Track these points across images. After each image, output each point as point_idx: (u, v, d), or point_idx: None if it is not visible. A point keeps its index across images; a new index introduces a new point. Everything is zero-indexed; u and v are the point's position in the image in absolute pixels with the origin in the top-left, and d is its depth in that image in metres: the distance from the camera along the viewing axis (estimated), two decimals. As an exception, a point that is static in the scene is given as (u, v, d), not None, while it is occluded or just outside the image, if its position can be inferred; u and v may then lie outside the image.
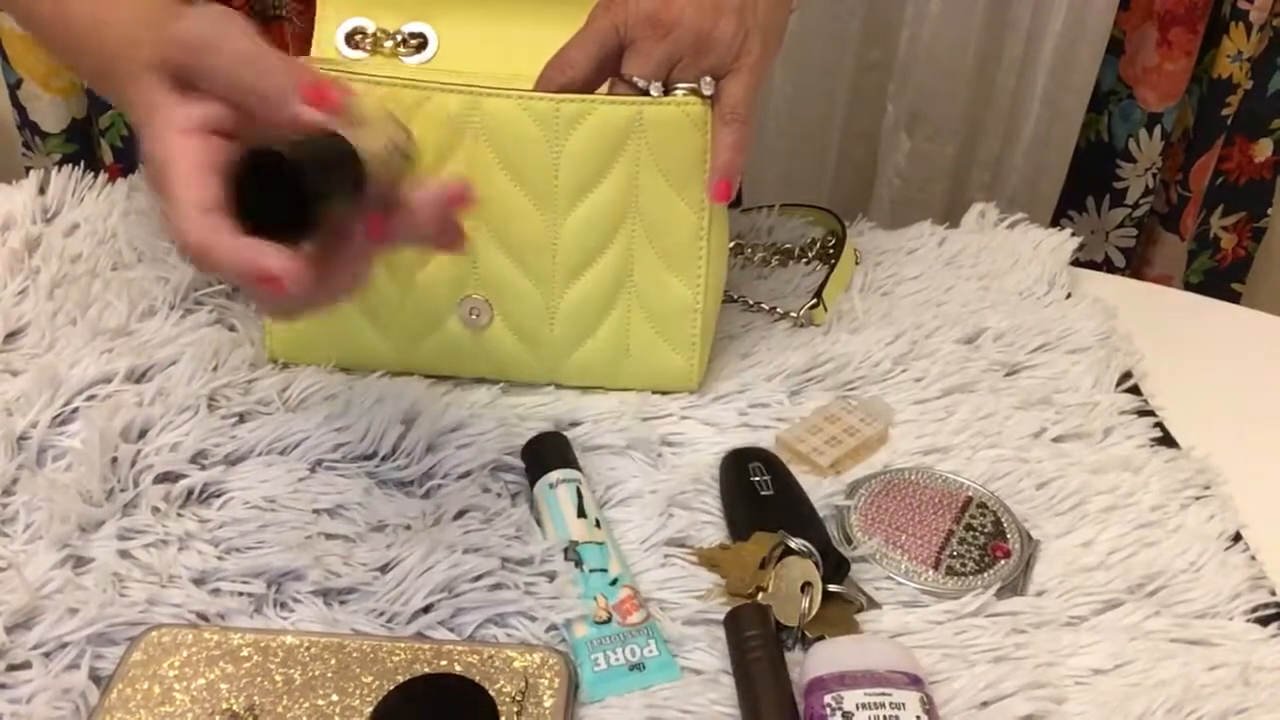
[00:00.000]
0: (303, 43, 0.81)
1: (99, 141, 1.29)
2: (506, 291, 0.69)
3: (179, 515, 0.62)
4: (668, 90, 0.66)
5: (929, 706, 0.50)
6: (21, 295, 0.77)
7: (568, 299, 0.69)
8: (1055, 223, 1.35)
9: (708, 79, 0.65)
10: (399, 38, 0.70)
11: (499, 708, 0.51)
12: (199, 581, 0.58)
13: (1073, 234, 0.88)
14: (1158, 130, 1.28)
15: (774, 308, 0.80)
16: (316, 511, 0.62)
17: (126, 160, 1.27)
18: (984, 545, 0.62)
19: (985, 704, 0.53)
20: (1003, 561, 0.61)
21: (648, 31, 0.64)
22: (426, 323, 0.70)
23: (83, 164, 0.89)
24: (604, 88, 0.67)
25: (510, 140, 0.66)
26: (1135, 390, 0.75)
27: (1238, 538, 0.63)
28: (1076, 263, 0.88)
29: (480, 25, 0.71)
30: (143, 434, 0.65)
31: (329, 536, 0.61)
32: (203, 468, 0.64)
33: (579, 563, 0.59)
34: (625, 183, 0.67)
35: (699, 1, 0.65)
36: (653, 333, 0.70)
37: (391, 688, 0.52)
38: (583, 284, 0.69)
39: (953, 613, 0.58)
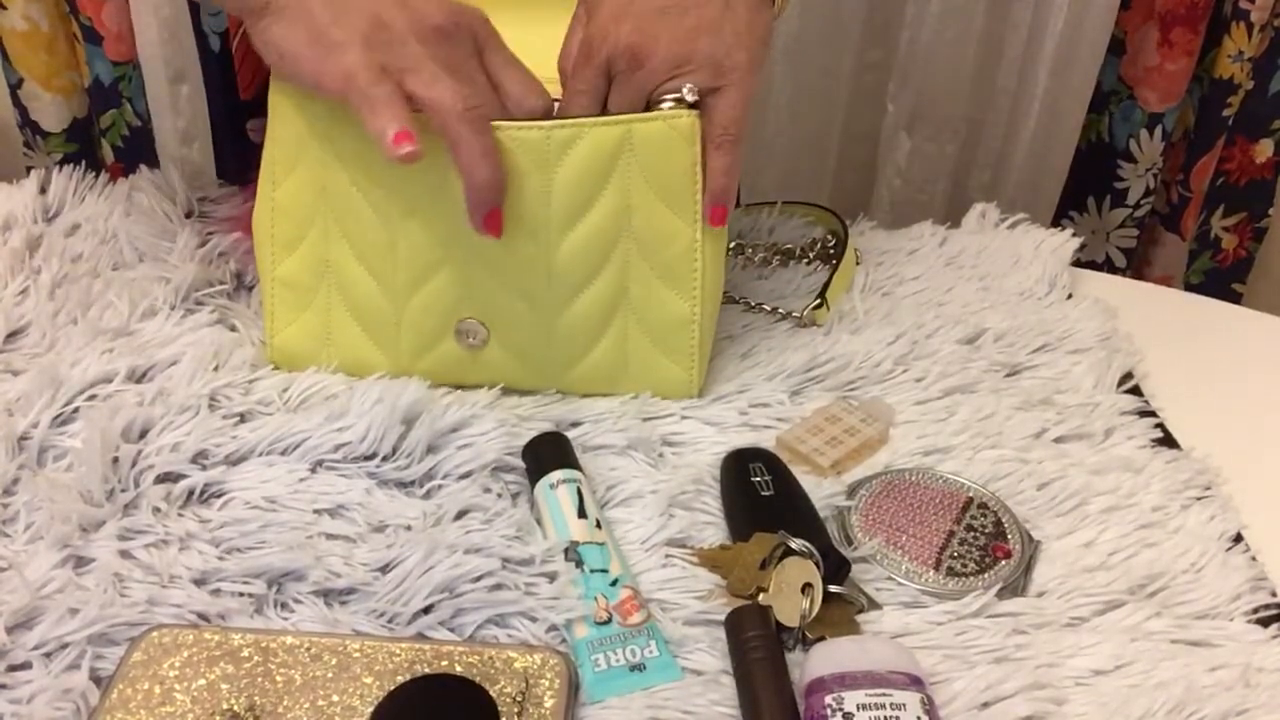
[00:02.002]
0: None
1: (100, 141, 1.29)
2: (502, 315, 0.69)
3: (180, 515, 0.62)
4: (651, 105, 0.65)
5: (930, 707, 0.50)
6: (22, 295, 0.77)
7: (564, 319, 0.69)
8: (1056, 223, 1.35)
9: (689, 85, 0.64)
10: None
11: (499, 708, 0.51)
12: (199, 582, 0.58)
13: (1073, 234, 0.88)
14: (1158, 130, 1.27)
15: (775, 308, 0.80)
16: (317, 512, 0.62)
17: (127, 160, 1.27)
18: (985, 546, 0.62)
19: (986, 705, 0.53)
20: (1004, 562, 0.61)
21: (625, 63, 0.64)
22: (423, 342, 0.70)
23: (84, 164, 0.89)
24: None
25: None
26: (1136, 391, 0.75)
27: (1239, 538, 0.63)
28: (1077, 263, 0.88)
29: None
30: (143, 434, 0.65)
31: (329, 537, 0.61)
32: (203, 468, 0.64)
33: (579, 563, 0.59)
34: (618, 202, 0.66)
35: (674, 29, 0.64)
36: (651, 347, 0.70)
37: (392, 688, 0.52)
38: (579, 304, 0.68)
39: (953, 613, 0.58)
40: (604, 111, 0.66)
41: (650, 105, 0.65)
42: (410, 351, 0.71)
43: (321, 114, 0.66)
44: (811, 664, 0.53)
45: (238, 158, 0.90)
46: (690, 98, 0.65)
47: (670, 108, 0.65)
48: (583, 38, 0.65)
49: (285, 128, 0.68)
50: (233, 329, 0.76)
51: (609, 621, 0.56)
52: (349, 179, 0.67)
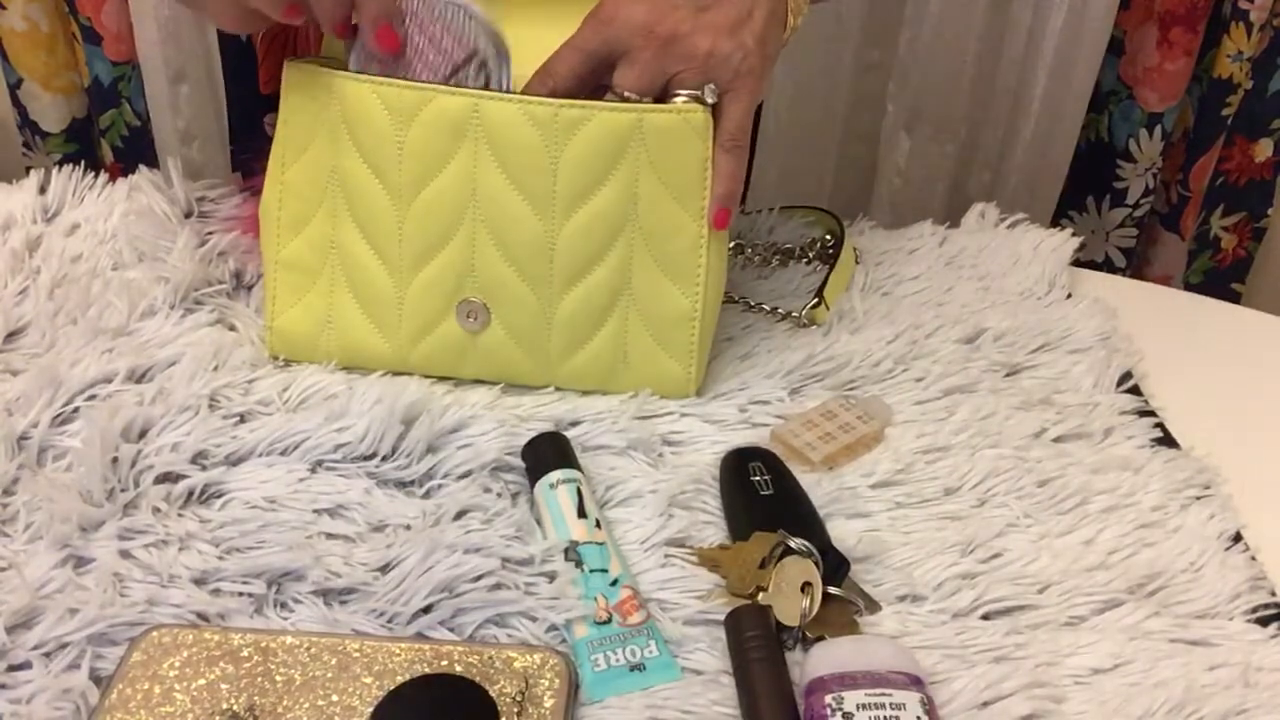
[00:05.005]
0: (312, 41, 0.81)
1: (99, 141, 1.29)
2: (504, 295, 0.69)
3: (179, 515, 0.62)
4: (665, 98, 0.66)
5: (929, 707, 0.50)
6: (22, 295, 0.77)
7: (565, 304, 0.69)
8: (1055, 223, 1.35)
9: (711, 86, 0.65)
10: None
11: (499, 708, 0.51)
12: (199, 581, 0.58)
13: (1073, 234, 0.88)
14: (1158, 130, 1.27)
15: (775, 308, 0.81)
16: (317, 511, 0.62)
17: (127, 160, 1.27)
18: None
19: (985, 704, 0.53)
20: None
21: (641, 42, 0.64)
22: (424, 323, 0.70)
23: (83, 164, 0.89)
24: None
25: (510, 144, 0.66)
26: (1135, 390, 0.75)
27: (1238, 538, 0.63)
28: (1077, 263, 0.88)
29: None
30: (143, 434, 0.65)
31: (329, 536, 0.61)
32: (203, 468, 0.64)
33: (579, 563, 0.59)
34: (624, 189, 0.67)
35: (695, 18, 0.64)
36: (651, 340, 0.70)
37: (391, 688, 0.52)
38: (581, 290, 0.69)
39: (950, 611, 0.58)
40: (607, 87, 0.66)
41: (662, 97, 0.66)
42: (411, 334, 0.71)
43: (334, 95, 0.67)
44: (811, 663, 0.53)
45: (250, 151, 0.90)
46: (710, 99, 0.65)
47: (684, 103, 0.65)
48: (592, 11, 0.65)
49: (297, 110, 0.68)
50: (232, 329, 0.76)
51: (609, 621, 0.56)
52: (359, 157, 0.67)
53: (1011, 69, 1.29)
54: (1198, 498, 0.66)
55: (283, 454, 0.65)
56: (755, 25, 0.66)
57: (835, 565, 0.59)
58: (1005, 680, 0.54)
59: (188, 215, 0.85)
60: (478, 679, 0.52)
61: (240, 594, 0.57)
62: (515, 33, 0.70)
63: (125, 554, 0.59)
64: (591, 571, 0.58)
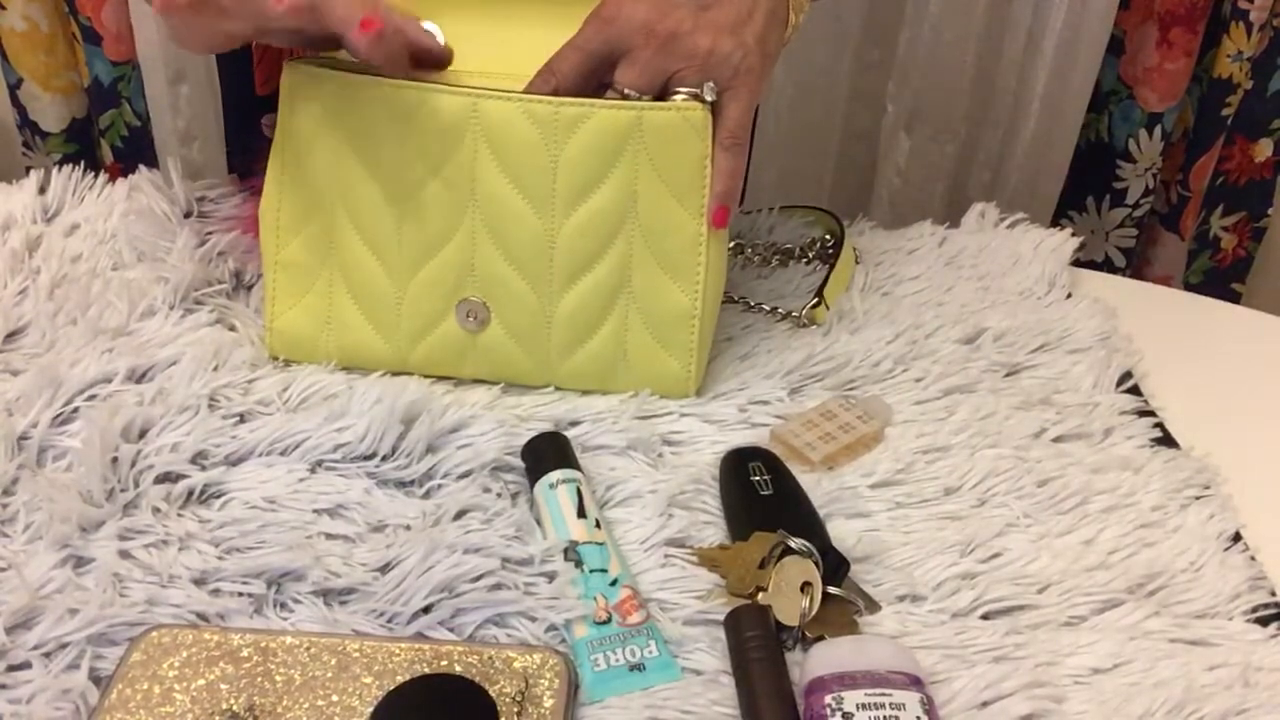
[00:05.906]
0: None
1: (99, 141, 1.29)
2: (504, 294, 0.69)
3: (179, 515, 0.62)
4: (666, 95, 0.66)
5: (929, 707, 0.50)
6: (22, 295, 0.77)
7: (565, 303, 0.69)
8: (1055, 223, 1.35)
9: (710, 84, 0.65)
10: None
11: (499, 708, 0.51)
12: (199, 582, 0.58)
13: (1073, 234, 0.88)
14: (1158, 130, 1.28)
15: (775, 308, 0.81)
16: (316, 511, 0.62)
17: (126, 160, 1.27)
18: None
19: (985, 704, 0.53)
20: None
21: (642, 40, 0.64)
22: (424, 323, 0.70)
23: (83, 164, 0.89)
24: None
25: (509, 143, 0.66)
26: (1135, 390, 0.75)
27: (1238, 538, 0.63)
28: (1077, 263, 0.88)
29: (486, 25, 0.71)
30: (143, 434, 0.65)
31: (329, 536, 0.61)
32: (203, 468, 0.64)
33: (579, 563, 0.59)
34: (624, 187, 0.67)
35: (696, 17, 0.65)
36: (650, 339, 0.70)
37: (391, 688, 0.52)
38: (580, 288, 0.69)
39: (950, 610, 0.58)
40: (609, 85, 0.66)
41: (663, 95, 0.66)
42: (410, 335, 0.71)
43: (333, 96, 0.67)
44: (811, 663, 0.53)
45: (248, 152, 0.90)
46: (709, 97, 0.65)
47: (684, 100, 0.65)
48: (594, 10, 0.66)
49: (297, 112, 0.68)
50: (232, 329, 0.76)
51: (608, 621, 0.56)
52: (358, 159, 0.67)
53: (1011, 69, 1.29)
54: (1198, 498, 0.66)
55: (283, 454, 0.65)
56: (756, 24, 0.66)
57: (835, 565, 0.59)
58: (1005, 680, 0.54)
59: (187, 215, 0.85)
60: (477, 679, 0.52)
61: (240, 594, 0.57)
62: (516, 33, 0.70)
63: (125, 554, 0.59)
64: (591, 571, 0.58)
